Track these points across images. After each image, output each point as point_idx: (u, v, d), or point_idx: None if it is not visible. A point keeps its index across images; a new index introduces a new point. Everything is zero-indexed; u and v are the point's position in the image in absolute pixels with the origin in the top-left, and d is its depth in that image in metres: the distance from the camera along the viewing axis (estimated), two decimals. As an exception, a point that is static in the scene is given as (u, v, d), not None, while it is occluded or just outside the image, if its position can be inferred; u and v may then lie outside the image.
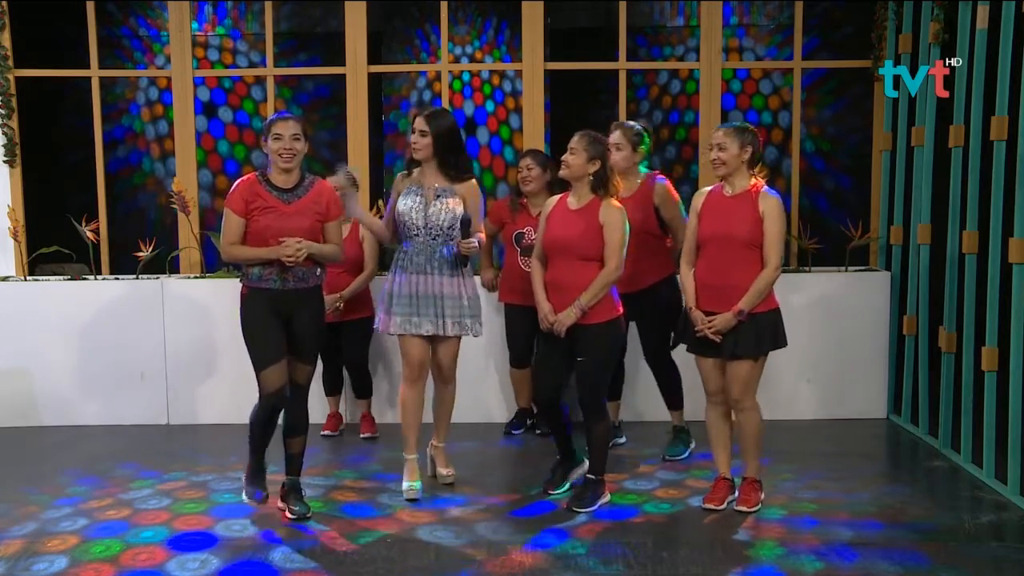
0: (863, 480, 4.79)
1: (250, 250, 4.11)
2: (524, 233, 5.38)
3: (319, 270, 4.22)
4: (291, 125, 4.08)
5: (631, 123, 5.05)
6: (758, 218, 4.18)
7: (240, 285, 4.22)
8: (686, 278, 4.37)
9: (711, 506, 4.37)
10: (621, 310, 4.36)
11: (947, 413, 5.20)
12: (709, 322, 4.22)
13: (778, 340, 4.29)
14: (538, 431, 5.59)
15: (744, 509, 4.32)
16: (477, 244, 4.48)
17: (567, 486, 4.60)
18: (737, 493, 4.41)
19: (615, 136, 4.92)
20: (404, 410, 4.60)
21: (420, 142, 4.48)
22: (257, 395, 4.18)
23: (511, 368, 5.65)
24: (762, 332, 4.22)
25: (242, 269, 4.20)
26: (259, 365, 4.14)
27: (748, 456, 4.38)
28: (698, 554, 3.88)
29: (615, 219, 4.27)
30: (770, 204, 4.20)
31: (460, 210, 4.49)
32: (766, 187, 4.27)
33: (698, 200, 4.39)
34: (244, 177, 4.21)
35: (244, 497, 4.34)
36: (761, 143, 4.33)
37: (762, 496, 4.39)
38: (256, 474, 4.32)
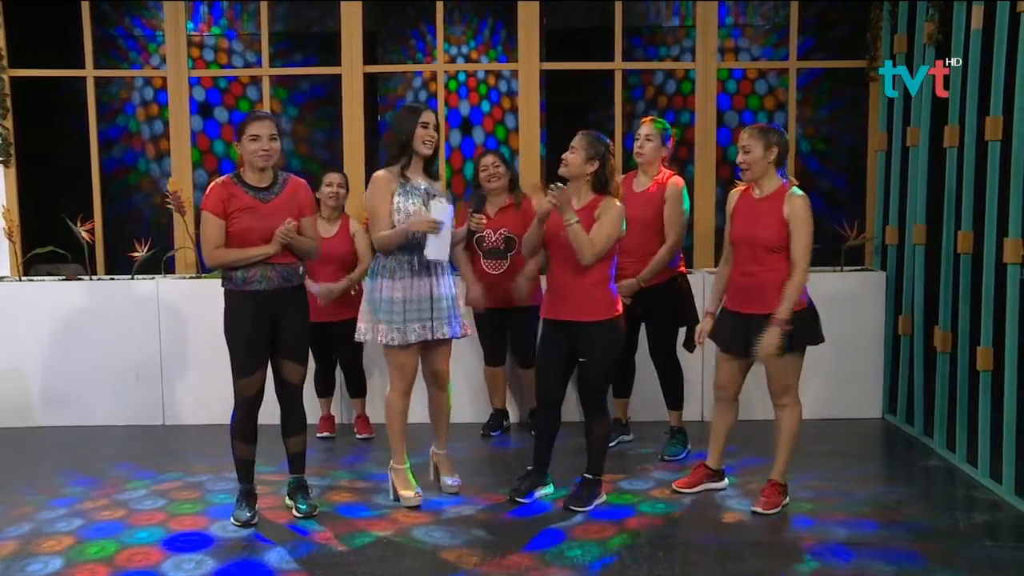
0: (858, 480, 4.80)
1: (238, 252, 4.04)
2: (484, 236, 5.32)
3: (301, 269, 4.21)
4: (268, 125, 4.06)
5: (661, 119, 5.15)
6: (783, 221, 4.15)
7: (223, 288, 4.16)
8: (717, 279, 4.41)
9: (681, 488, 4.35)
10: (621, 309, 4.36)
11: (942, 413, 5.21)
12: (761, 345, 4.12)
13: (810, 337, 4.23)
14: (533, 431, 5.57)
15: (760, 511, 4.27)
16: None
17: (533, 497, 4.49)
18: (746, 492, 4.40)
19: (645, 128, 5.03)
20: (395, 420, 4.45)
21: (435, 136, 4.44)
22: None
23: (485, 366, 5.68)
24: (793, 330, 4.15)
25: (225, 272, 4.13)
26: (238, 373, 4.15)
27: (779, 454, 4.34)
28: (694, 554, 3.88)
29: (611, 214, 4.23)
30: (795, 206, 4.14)
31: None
32: (793, 188, 4.22)
33: (731, 201, 4.39)
34: (217, 180, 4.16)
35: (232, 520, 4.20)
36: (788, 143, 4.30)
37: (785, 501, 4.34)
38: (248, 496, 4.27)
